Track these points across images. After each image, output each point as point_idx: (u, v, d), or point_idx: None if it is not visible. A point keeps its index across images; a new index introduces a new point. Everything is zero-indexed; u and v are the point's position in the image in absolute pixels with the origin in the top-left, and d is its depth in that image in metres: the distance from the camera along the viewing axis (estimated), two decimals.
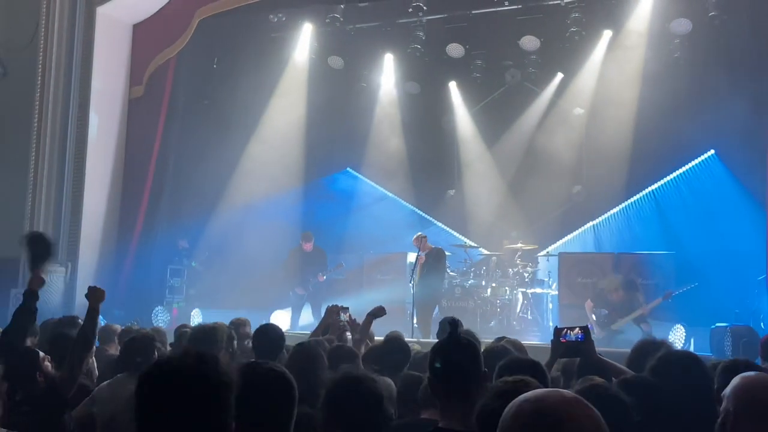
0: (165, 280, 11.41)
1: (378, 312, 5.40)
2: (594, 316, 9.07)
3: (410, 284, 9.85)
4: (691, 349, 8.08)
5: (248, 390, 1.87)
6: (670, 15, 10.49)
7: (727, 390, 2.52)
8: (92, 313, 4.38)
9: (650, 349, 3.74)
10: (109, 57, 11.45)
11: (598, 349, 3.97)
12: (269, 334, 4.61)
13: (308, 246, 11.00)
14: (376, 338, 5.59)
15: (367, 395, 2.65)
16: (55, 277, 10.39)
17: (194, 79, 12.05)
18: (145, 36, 11.78)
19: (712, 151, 10.77)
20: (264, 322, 5.17)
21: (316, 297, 10.76)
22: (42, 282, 4.61)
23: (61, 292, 10.54)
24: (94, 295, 4.44)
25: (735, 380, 2.52)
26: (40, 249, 4.81)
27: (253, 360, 2.84)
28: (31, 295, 4.53)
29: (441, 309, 10.39)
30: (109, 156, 11.49)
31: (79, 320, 6.09)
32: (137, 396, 1.63)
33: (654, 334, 7.89)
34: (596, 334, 8.82)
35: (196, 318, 10.25)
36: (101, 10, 11.26)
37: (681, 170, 11.12)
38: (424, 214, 13.10)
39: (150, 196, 11.57)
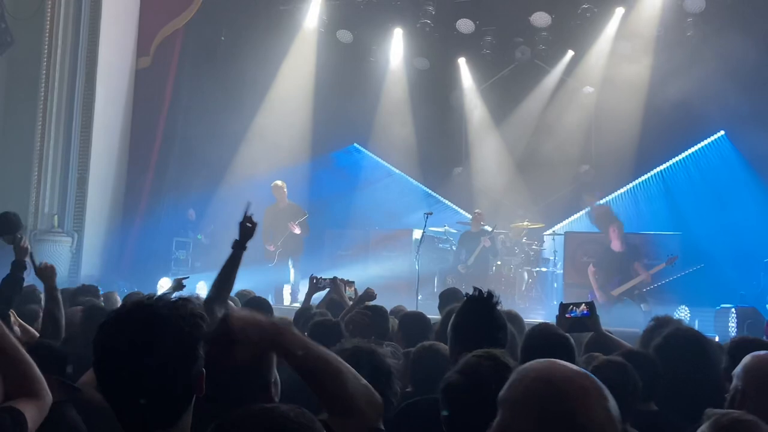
0: (170, 252, 11.43)
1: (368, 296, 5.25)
2: (597, 283, 9.10)
3: (415, 260, 9.87)
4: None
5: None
6: None
7: (738, 368, 2.52)
8: (51, 292, 4.22)
9: (662, 328, 3.74)
10: (116, 27, 11.38)
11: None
12: (256, 308, 4.64)
13: (283, 202, 10.67)
14: None
15: (377, 368, 2.67)
16: (60, 247, 10.46)
17: (201, 51, 11.97)
18: (153, 7, 11.69)
19: (722, 132, 10.68)
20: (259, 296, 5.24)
21: (292, 252, 10.65)
22: (25, 251, 4.56)
23: (68, 263, 10.60)
24: (44, 273, 4.27)
25: (746, 359, 2.52)
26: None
27: None
28: (17, 265, 4.49)
29: (446, 285, 10.41)
30: (115, 126, 11.47)
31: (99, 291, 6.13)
32: (94, 344, 1.52)
33: (657, 314, 7.89)
34: (599, 299, 8.87)
35: (201, 291, 10.29)
36: None
37: (690, 151, 11.04)
38: (430, 191, 13.07)
39: (156, 168, 11.56)
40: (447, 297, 5.45)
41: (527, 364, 1.51)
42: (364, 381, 1.82)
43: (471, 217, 11.01)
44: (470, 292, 2.84)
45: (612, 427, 1.39)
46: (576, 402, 1.39)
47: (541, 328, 3.21)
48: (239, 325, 1.71)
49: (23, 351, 2.20)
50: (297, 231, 10.55)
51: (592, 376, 1.47)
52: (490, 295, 2.75)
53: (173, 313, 1.53)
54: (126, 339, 1.49)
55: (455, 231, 11.27)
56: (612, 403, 1.42)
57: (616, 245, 9.22)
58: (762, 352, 2.61)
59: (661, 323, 3.97)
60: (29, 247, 4.66)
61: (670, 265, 8.79)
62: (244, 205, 3.52)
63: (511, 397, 1.46)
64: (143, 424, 1.50)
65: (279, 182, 10.82)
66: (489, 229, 10.76)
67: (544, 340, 3.03)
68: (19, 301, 4.72)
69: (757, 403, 2.36)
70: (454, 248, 11.04)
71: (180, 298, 1.61)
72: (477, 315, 2.72)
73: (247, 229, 3.50)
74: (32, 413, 2.07)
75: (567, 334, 3.19)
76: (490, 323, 2.69)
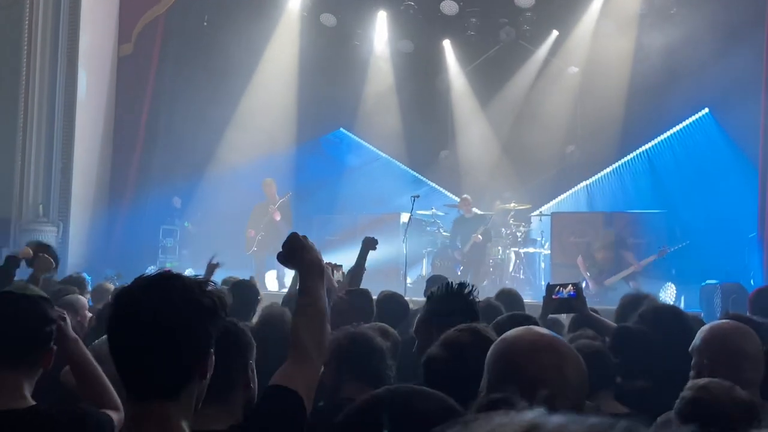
0: (158, 240, 11.38)
1: (371, 244, 5.17)
2: (588, 272, 9.22)
3: (403, 243, 9.89)
4: (682, 306, 8.16)
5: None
6: None
7: (696, 342, 2.54)
8: (35, 282, 4.33)
9: (636, 304, 3.78)
10: (97, 14, 11.26)
11: (590, 306, 4.02)
12: (243, 291, 4.66)
13: (276, 215, 10.65)
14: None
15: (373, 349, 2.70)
16: (46, 236, 10.38)
17: (184, 37, 11.87)
18: None
19: (707, 110, 10.72)
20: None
21: (274, 240, 10.63)
22: (29, 254, 4.60)
23: None
24: (41, 265, 4.45)
25: (701, 332, 2.54)
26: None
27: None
28: (13, 260, 4.52)
29: (434, 268, 10.46)
30: (99, 114, 11.38)
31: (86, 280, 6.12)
32: (113, 299, 1.57)
33: (644, 291, 7.97)
34: (590, 288, 8.95)
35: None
36: None
37: (675, 129, 11.08)
38: (417, 175, 13.06)
39: (141, 155, 11.50)
40: (434, 283, 5.46)
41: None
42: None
43: (459, 201, 11.01)
44: (459, 274, 2.88)
45: (567, 387, 1.46)
46: (523, 357, 1.49)
47: (509, 317, 3.23)
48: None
49: (98, 369, 2.36)
50: (278, 217, 10.54)
51: (556, 338, 1.55)
52: (462, 285, 2.80)
53: (195, 285, 1.56)
54: (143, 298, 1.53)
55: (442, 213, 11.28)
56: (571, 365, 1.49)
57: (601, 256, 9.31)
58: (715, 323, 2.65)
59: (632, 300, 4.01)
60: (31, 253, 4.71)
61: (662, 257, 8.88)
62: None
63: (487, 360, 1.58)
64: (144, 388, 1.52)
65: (268, 180, 10.85)
66: (488, 214, 10.83)
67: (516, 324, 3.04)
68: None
69: (722, 372, 2.37)
70: (442, 231, 11.06)
71: (203, 278, 1.65)
72: (449, 304, 2.75)
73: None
74: (116, 421, 2.20)
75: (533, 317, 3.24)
76: (462, 313, 2.71)
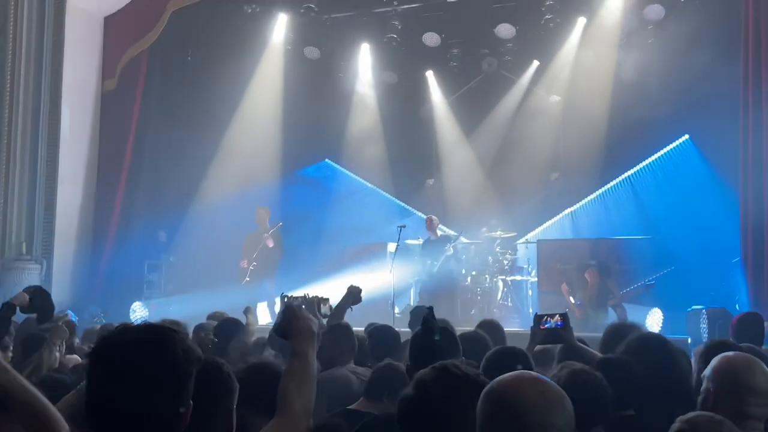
0: (143, 275, 11.29)
1: (353, 296, 5.09)
2: (572, 299, 9.26)
3: (390, 274, 9.87)
4: (668, 332, 8.19)
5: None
6: (643, 1, 10.57)
7: (707, 370, 2.57)
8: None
9: (622, 333, 3.80)
10: (81, 50, 11.28)
11: (577, 334, 4.03)
12: (229, 328, 4.64)
13: (270, 241, 10.70)
14: (355, 328, 5.54)
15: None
16: (29, 274, 10.27)
17: (168, 71, 11.91)
18: (117, 28, 11.62)
19: (687, 136, 10.88)
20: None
21: (267, 272, 10.64)
22: (26, 300, 4.53)
23: None
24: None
25: (715, 361, 2.57)
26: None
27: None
28: (9, 307, 4.43)
29: (422, 298, 10.43)
30: (82, 150, 11.34)
31: (68, 315, 6.04)
32: (89, 356, 1.55)
33: (631, 317, 8.00)
34: (577, 315, 8.98)
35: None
36: (72, 2, 11.07)
37: (656, 155, 11.22)
38: (403, 204, 13.10)
39: (126, 190, 11.45)
40: (417, 315, 5.43)
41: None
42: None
43: (425, 221, 10.92)
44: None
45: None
46: (511, 410, 1.49)
47: (499, 351, 3.22)
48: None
49: (33, 390, 2.10)
50: (270, 244, 10.57)
51: (548, 383, 1.55)
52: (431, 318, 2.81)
53: (169, 338, 1.55)
54: (120, 356, 1.51)
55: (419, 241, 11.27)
56: (554, 391, 1.49)
57: (591, 286, 9.35)
58: (730, 353, 2.66)
59: (617, 330, 4.02)
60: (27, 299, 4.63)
61: (646, 291, 8.97)
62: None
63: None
64: None
65: (262, 209, 10.85)
66: (453, 233, 10.80)
67: (504, 360, 3.04)
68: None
69: (726, 404, 2.40)
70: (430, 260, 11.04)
71: (173, 328, 1.63)
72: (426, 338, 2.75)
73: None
74: None
75: (524, 351, 3.24)
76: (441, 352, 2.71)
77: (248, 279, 10.65)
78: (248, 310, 6.15)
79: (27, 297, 4.46)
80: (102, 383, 1.53)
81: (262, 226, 10.84)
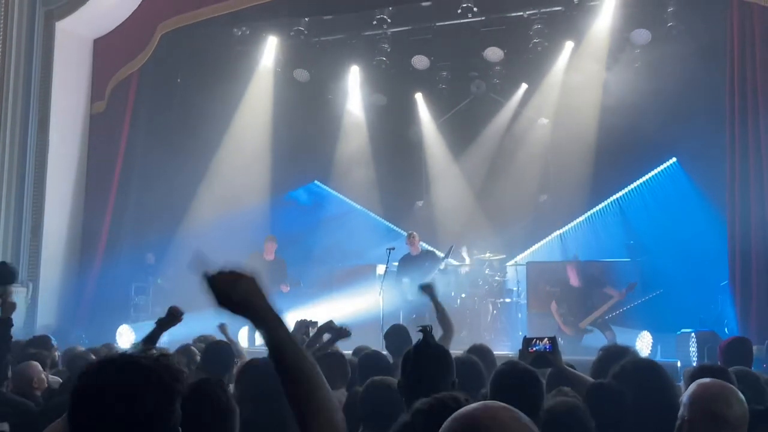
0: (130, 298, 11.18)
1: (339, 333, 5.04)
2: (560, 317, 9.26)
3: (379, 296, 9.82)
4: (658, 355, 8.19)
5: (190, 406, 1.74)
6: (630, 26, 10.69)
7: (684, 397, 2.54)
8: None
9: (615, 357, 3.77)
10: (70, 72, 11.27)
11: (565, 357, 4.01)
12: (219, 351, 4.58)
13: (270, 255, 10.70)
14: (345, 352, 5.50)
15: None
16: (15, 297, 10.12)
17: (157, 94, 11.90)
18: (107, 51, 11.62)
19: (674, 159, 10.96)
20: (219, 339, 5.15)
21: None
22: (13, 306, 4.40)
23: (23, 313, 10.25)
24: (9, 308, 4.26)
25: (691, 388, 2.54)
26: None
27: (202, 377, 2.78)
28: (5, 323, 4.27)
29: (410, 321, 10.34)
30: (70, 172, 11.28)
31: (53, 342, 5.96)
32: (73, 390, 1.51)
33: (620, 340, 7.98)
34: (567, 333, 8.97)
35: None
36: (60, 25, 11.09)
37: (644, 178, 11.28)
38: (392, 226, 13.08)
39: (113, 213, 11.37)
40: (392, 336, 5.38)
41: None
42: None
43: (406, 237, 10.78)
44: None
45: None
46: (480, 420, 1.40)
47: (509, 367, 3.18)
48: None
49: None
50: (286, 290, 10.45)
51: (516, 415, 1.46)
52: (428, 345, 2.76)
53: (156, 364, 1.53)
54: (107, 386, 1.48)
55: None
56: (525, 421, 1.42)
57: (574, 281, 9.42)
58: (706, 380, 2.62)
59: (611, 354, 4.00)
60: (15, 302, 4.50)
61: (631, 291, 8.98)
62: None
63: None
64: None
65: (271, 241, 10.77)
66: (434, 251, 10.73)
67: (514, 379, 3.00)
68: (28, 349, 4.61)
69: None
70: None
71: (161, 353, 1.61)
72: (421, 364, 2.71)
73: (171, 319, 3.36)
74: None
75: (534, 369, 3.19)
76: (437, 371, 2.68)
77: None
78: (223, 328, 6.02)
79: (13, 303, 4.36)
80: (84, 423, 1.50)
81: (268, 253, 10.74)
